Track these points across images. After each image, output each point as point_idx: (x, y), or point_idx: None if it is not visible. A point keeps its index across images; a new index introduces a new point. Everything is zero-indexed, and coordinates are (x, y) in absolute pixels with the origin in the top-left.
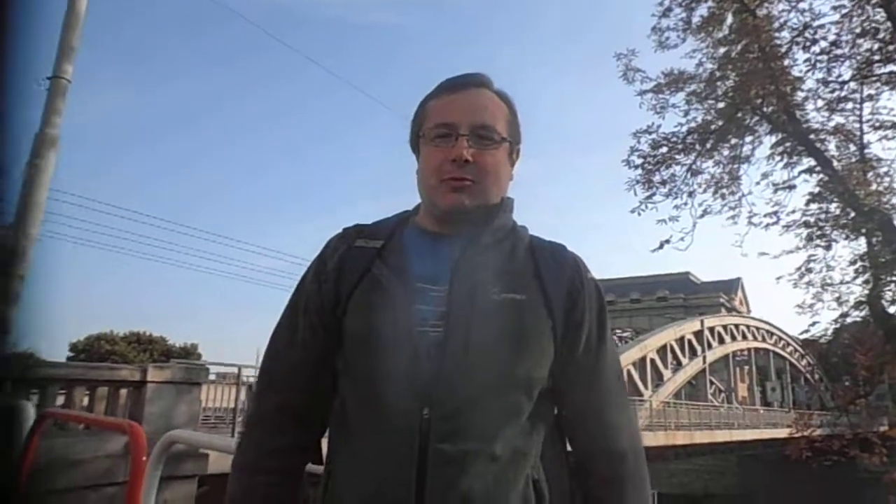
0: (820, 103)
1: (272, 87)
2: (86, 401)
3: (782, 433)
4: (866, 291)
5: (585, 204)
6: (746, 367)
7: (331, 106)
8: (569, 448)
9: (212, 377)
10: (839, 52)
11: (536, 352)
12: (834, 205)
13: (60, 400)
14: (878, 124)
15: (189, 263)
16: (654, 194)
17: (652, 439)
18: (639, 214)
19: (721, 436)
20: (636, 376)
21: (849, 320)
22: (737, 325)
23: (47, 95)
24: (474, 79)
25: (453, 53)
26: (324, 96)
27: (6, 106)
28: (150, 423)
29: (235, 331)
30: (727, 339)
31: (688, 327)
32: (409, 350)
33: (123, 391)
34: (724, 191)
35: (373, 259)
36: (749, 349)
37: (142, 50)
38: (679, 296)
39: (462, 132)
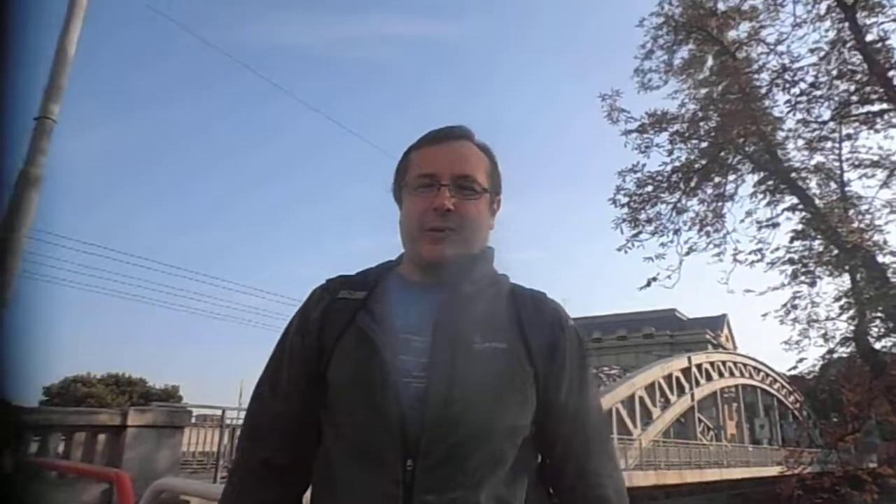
0: (800, 143)
1: (253, 122)
2: (61, 447)
3: (772, 471)
4: (852, 328)
5: (573, 240)
6: (735, 405)
7: (317, 140)
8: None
9: (192, 420)
10: (818, 93)
11: (519, 400)
12: (817, 242)
13: (33, 447)
14: (857, 163)
15: (169, 302)
16: (640, 232)
17: (642, 479)
18: (626, 252)
19: (711, 475)
20: (625, 414)
21: (835, 356)
22: (724, 362)
23: (32, 135)
24: (456, 131)
25: (435, 87)
26: (318, 138)
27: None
28: (129, 469)
29: (217, 371)
30: (714, 375)
31: (675, 364)
32: (392, 402)
33: (102, 436)
34: (709, 228)
35: (357, 310)
36: (737, 386)
37: (119, 87)
38: (665, 332)
39: (444, 182)
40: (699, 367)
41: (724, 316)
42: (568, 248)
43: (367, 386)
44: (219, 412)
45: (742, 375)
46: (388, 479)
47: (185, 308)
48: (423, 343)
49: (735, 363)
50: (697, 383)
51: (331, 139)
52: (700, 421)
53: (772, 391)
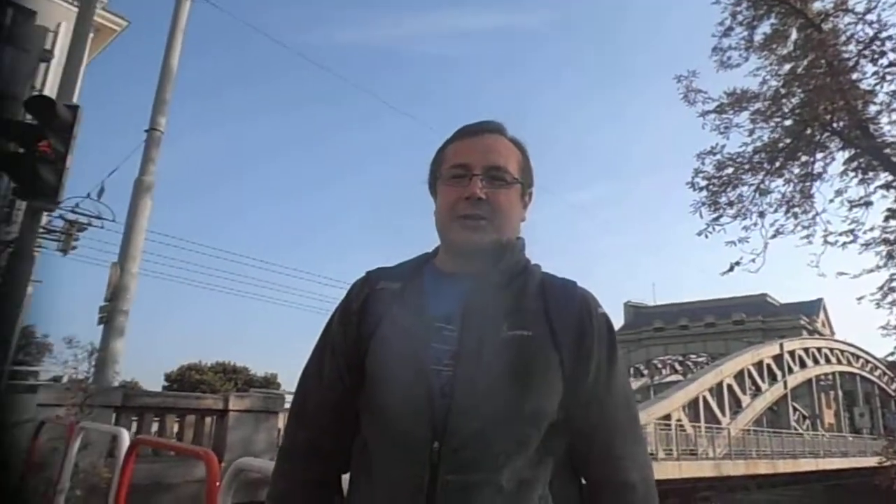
0: (895, 116)
1: (344, 127)
2: (176, 427)
3: (872, 461)
4: None
5: (661, 225)
6: (832, 393)
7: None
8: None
9: (287, 405)
10: None
11: (544, 386)
12: None
13: (155, 426)
14: None
15: (272, 297)
16: (721, 216)
17: (731, 468)
18: (706, 237)
19: (806, 465)
20: (713, 403)
21: None
22: (819, 349)
23: (144, 146)
24: (489, 125)
25: (513, 80)
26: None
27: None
28: (231, 450)
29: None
30: (809, 362)
31: (765, 351)
32: (423, 387)
33: (209, 419)
34: (797, 210)
35: (394, 301)
36: (834, 373)
37: (217, 98)
38: (757, 319)
39: (476, 172)
40: (792, 354)
41: (820, 300)
42: (655, 233)
43: (401, 372)
44: None
45: (839, 362)
46: (415, 460)
47: (285, 302)
48: (453, 331)
49: (832, 350)
50: (790, 370)
51: (418, 134)
52: (794, 409)
53: (872, 378)
